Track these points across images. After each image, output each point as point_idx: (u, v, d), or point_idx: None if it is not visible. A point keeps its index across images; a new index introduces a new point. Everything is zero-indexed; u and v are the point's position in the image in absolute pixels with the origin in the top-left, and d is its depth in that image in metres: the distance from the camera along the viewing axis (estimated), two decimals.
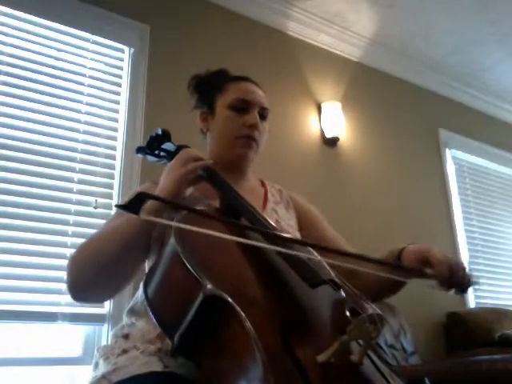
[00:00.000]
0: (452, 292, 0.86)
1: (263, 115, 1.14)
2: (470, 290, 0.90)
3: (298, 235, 1.11)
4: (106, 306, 1.85)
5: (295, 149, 2.67)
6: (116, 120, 2.12)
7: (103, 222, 1.93)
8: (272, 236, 0.80)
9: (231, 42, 2.59)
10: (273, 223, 0.91)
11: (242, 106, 1.12)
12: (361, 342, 0.66)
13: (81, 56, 2.11)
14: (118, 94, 2.16)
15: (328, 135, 2.79)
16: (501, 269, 3.41)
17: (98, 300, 0.99)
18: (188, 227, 0.65)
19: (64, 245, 1.84)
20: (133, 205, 0.64)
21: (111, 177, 2.03)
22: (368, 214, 2.78)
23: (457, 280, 0.85)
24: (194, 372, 0.75)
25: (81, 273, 0.90)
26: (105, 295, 0.96)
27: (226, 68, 1.23)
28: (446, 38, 3.13)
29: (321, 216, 1.23)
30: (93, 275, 0.90)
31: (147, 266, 1.06)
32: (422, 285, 0.85)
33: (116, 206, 0.67)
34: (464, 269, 0.87)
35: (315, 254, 0.86)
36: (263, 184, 1.25)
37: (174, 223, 0.71)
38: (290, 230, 1.10)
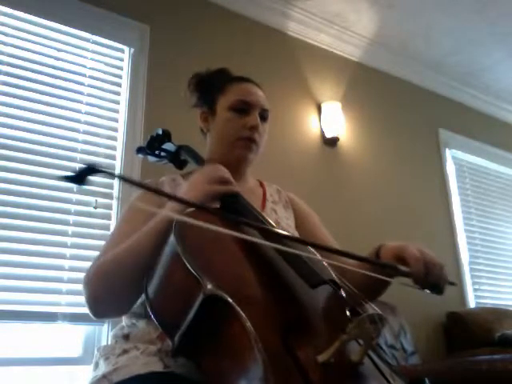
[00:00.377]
0: (427, 291, 0.82)
1: (264, 116, 1.14)
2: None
3: (296, 235, 1.11)
4: None
5: (295, 149, 2.67)
6: (116, 120, 2.12)
7: (103, 222, 1.94)
8: (273, 234, 0.79)
9: (231, 41, 2.59)
10: (273, 223, 0.91)
11: (243, 108, 1.12)
12: (361, 341, 0.66)
13: (81, 56, 2.10)
14: (118, 94, 2.16)
15: (328, 135, 2.79)
16: (501, 269, 3.41)
17: (119, 314, 0.98)
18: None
19: (64, 245, 1.84)
20: (80, 176, 0.62)
21: None
22: (368, 213, 2.78)
23: (432, 279, 0.82)
24: (195, 372, 0.75)
25: (101, 295, 0.89)
26: (125, 309, 0.95)
27: (226, 67, 1.23)
28: (445, 38, 3.13)
29: (317, 219, 1.23)
30: (113, 295, 0.89)
31: None
32: (397, 283, 0.83)
33: (61, 177, 0.62)
34: (441, 268, 0.84)
35: (317, 254, 0.86)
36: (261, 184, 1.25)
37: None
38: (290, 230, 1.10)
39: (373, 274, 0.79)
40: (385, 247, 0.91)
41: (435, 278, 0.82)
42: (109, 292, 0.89)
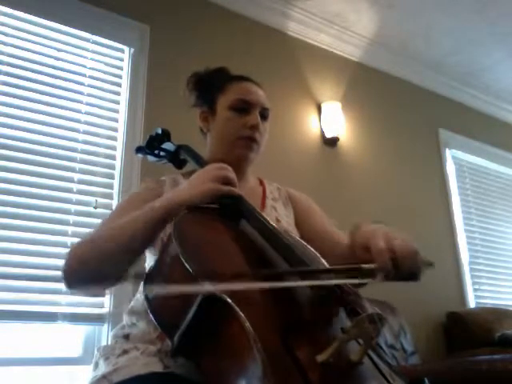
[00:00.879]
0: (402, 282, 0.74)
1: (264, 115, 1.14)
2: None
3: (296, 233, 1.11)
4: (106, 306, 1.85)
5: (295, 149, 2.67)
6: (116, 120, 2.12)
7: None
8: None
9: (231, 42, 2.59)
10: (273, 223, 0.90)
11: (243, 107, 1.11)
12: (361, 341, 0.66)
13: (81, 56, 2.10)
14: (118, 94, 2.16)
15: (328, 135, 2.79)
16: (501, 269, 3.41)
17: (93, 290, 0.98)
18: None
19: (64, 245, 1.84)
20: None
21: (111, 177, 2.03)
22: (368, 213, 2.77)
23: (403, 269, 0.72)
24: (194, 372, 0.75)
25: (80, 267, 0.90)
26: (100, 286, 0.96)
27: (225, 66, 1.22)
28: (445, 38, 3.13)
29: (319, 210, 1.23)
30: (92, 271, 0.89)
31: (147, 266, 1.06)
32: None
33: None
34: (413, 254, 0.74)
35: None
36: (261, 183, 1.24)
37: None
38: (290, 228, 1.10)
39: (346, 281, 0.73)
40: (355, 237, 0.85)
41: (406, 267, 0.72)
42: (85, 263, 0.89)
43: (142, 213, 0.89)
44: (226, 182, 0.91)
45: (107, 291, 0.97)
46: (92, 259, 0.88)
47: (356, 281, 0.72)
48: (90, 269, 0.89)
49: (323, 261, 0.94)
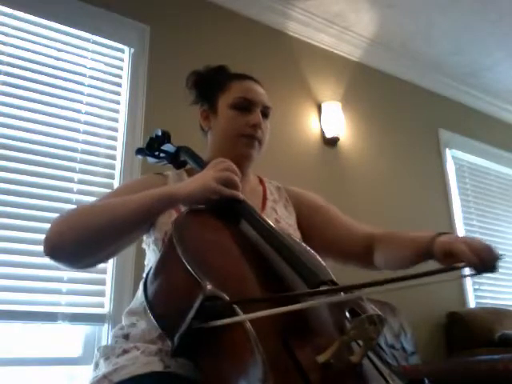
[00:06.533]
0: (485, 273, 0.85)
1: (265, 114, 1.14)
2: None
3: (297, 234, 1.11)
4: (106, 306, 1.85)
5: (295, 149, 2.67)
6: (116, 120, 2.12)
7: None
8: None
9: (231, 41, 2.59)
10: (272, 224, 0.90)
11: (245, 105, 1.11)
12: (360, 342, 0.66)
13: (81, 56, 2.11)
14: (118, 94, 2.16)
15: (328, 135, 2.79)
16: (501, 269, 3.37)
17: (73, 265, 0.98)
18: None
19: None
20: None
21: (111, 177, 2.03)
22: (368, 213, 2.77)
23: (488, 264, 0.84)
24: (195, 372, 0.74)
25: (63, 237, 0.90)
26: (81, 264, 0.96)
27: (225, 65, 1.22)
28: (446, 38, 3.13)
29: (326, 202, 1.24)
30: (76, 244, 0.89)
31: (147, 264, 1.06)
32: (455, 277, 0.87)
33: None
34: (490, 249, 0.85)
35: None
36: (261, 182, 1.24)
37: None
38: (290, 230, 1.09)
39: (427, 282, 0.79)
40: (436, 245, 0.92)
41: (488, 260, 0.85)
42: (70, 233, 0.90)
43: (137, 196, 0.90)
44: (229, 183, 0.91)
45: (83, 268, 0.97)
46: (79, 229, 0.89)
47: (451, 277, 0.87)
48: (74, 238, 0.89)
49: (322, 262, 0.94)
